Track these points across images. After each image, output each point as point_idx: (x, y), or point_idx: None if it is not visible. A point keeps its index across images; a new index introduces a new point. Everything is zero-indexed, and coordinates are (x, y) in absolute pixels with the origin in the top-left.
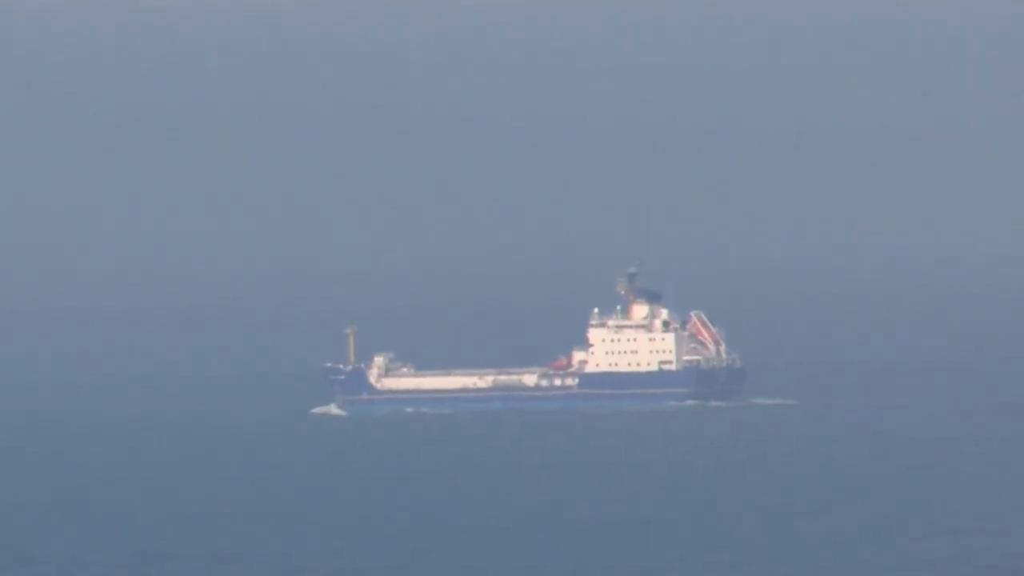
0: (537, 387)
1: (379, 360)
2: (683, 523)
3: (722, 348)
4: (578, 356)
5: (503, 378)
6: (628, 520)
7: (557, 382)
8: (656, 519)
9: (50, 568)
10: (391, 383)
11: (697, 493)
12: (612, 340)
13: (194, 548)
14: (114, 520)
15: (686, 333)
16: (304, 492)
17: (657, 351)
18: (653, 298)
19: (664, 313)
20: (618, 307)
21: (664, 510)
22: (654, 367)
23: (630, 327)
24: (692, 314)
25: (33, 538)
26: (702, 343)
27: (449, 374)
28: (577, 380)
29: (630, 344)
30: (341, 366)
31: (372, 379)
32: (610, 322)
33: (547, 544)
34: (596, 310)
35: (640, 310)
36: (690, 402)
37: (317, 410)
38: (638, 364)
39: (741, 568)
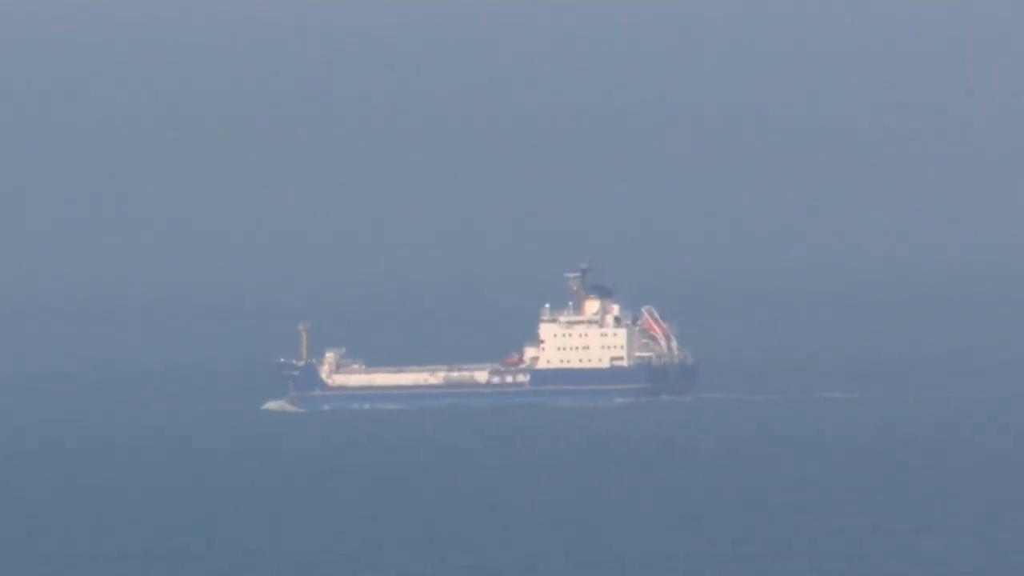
0: (488, 384)
1: (330, 356)
2: (638, 517)
3: (673, 344)
4: (529, 352)
5: (454, 375)
6: (589, 515)
7: (508, 379)
8: (613, 514)
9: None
10: (342, 379)
11: (656, 488)
12: (563, 336)
13: (159, 546)
14: (72, 517)
15: (637, 329)
16: (263, 487)
17: (608, 347)
18: (605, 294)
19: (616, 309)
20: (570, 303)
21: (619, 505)
22: (605, 363)
23: (581, 323)
24: (643, 310)
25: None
26: (653, 339)
27: (400, 370)
28: (528, 376)
29: (581, 340)
30: (295, 362)
31: (323, 375)
32: (561, 318)
33: (533, 540)
34: (547, 306)
35: (592, 306)
36: (623, 399)
37: (269, 405)
38: (589, 360)
39: (724, 562)
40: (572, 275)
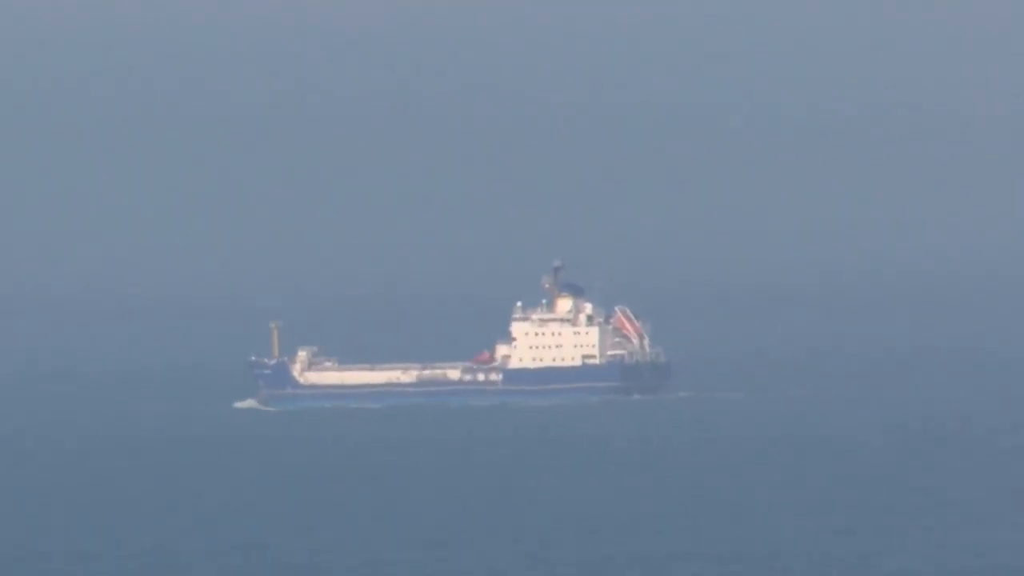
0: (461, 382)
1: (302, 354)
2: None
3: (646, 342)
4: (502, 350)
5: (427, 373)
6: (576, 515)
7: (481, 377)
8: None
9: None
10: (314, 377)
11: (638, 488)
12: (536, 334)
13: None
14: (43, 518)
15: (610, 327)
16: (230, 485)
17: (581, 345)
18: (577, 292)
19: (588, 307)
20: (543, 301)
21: (604, 505)
22: (578, 361)
23: (554, 321)
24: (616, 308)
25: None
26: (626, 337)
27: (373, 368)
28: (501, 375)
29: (554, 338)
30: (266, 360)
31: (295, 373)
32: (534, 316)
33: (520, 540)
34: (520, 304)
35: (564, 304)
36: (596, 398)
37: (240, 405)
38: (562, 358)
39: (723, 563)
40: (545, 273)
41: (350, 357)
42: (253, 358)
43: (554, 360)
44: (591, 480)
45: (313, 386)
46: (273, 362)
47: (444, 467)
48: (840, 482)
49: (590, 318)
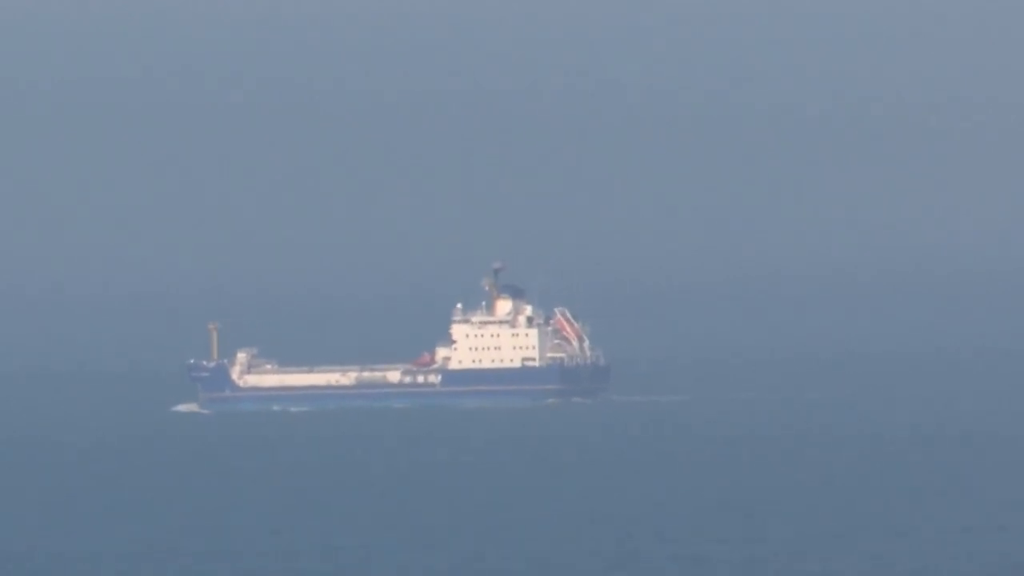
0: (400, 384)
1: (242, 357)
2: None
3: (586, 345)
4: (442, 352)
5: (366, 375)
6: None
7: (420, 379)
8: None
9: None
10: (254, 380)
11: (584, 490)
12: (475, 336)
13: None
14: None
15: (550, 329)
16: (166, 488)
17: (520, 347)
18: (517, 294)
19: (528, 309)
20: (483, 303)
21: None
22: (517, 364)
23: (493, 323)
24: (556, 310)
25: None
26: (566, 339)
27: (312, 371)
28: (440, 377)
29: (493, 340)
30: (204, 362)
31: (234, 376)
32: (473, 318)
33: (470, 542)
34: (459, 306)
35: (504, 306)
36: (535, 400)
37: (179, 408)
38: (501, 360)
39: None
40: (485, 274)
41: (290, 359)
42: (192, 360)
43: (493, 362)
44: (532, 483)
45: (252, 388)
46: (212, 364)
47: (378, 468)
48: (759, 487)
49: (530, 320)
